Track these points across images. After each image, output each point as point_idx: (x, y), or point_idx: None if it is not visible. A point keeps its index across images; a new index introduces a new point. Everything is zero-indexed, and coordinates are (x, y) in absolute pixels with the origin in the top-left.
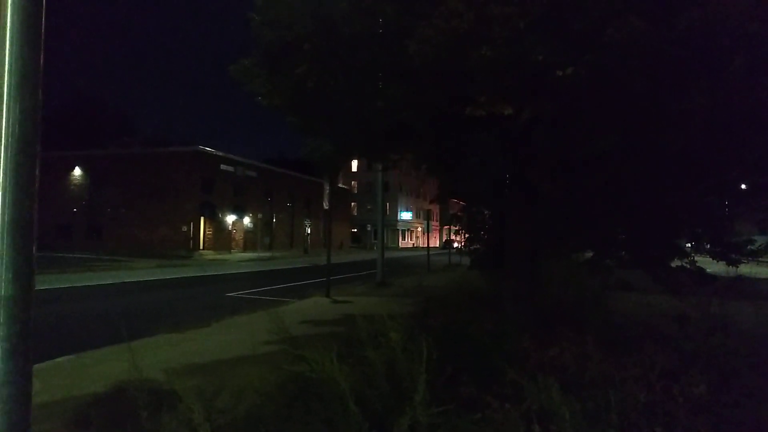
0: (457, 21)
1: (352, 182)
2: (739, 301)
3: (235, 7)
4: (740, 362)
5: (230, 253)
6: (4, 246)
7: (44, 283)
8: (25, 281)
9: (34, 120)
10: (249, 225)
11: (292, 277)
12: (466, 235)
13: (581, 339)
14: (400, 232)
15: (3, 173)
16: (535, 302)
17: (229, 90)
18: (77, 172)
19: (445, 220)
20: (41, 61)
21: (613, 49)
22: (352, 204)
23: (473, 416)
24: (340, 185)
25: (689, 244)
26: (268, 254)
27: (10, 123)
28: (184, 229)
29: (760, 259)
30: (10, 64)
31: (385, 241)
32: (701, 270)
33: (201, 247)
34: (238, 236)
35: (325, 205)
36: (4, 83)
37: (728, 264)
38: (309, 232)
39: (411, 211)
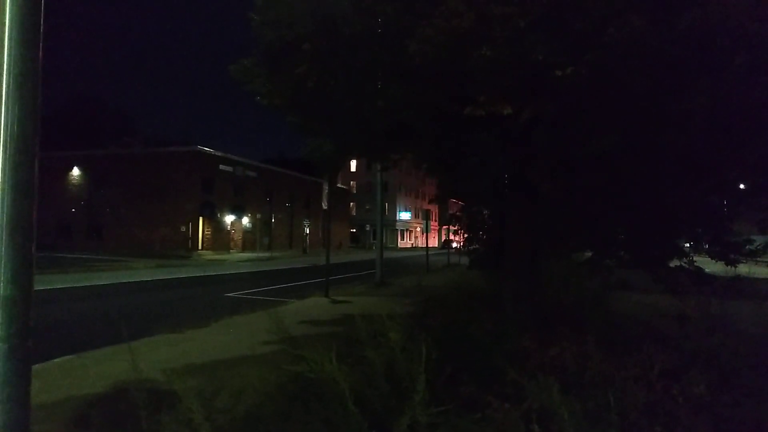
0: (458, 20)
1: (351, 182)
2: (738, 300)
3: (235, 7)
4: (740, 362)
5: (229, 253)
6: (4, 246)
7: (44, 283)
8: (24, 281)
9: (34, 120)
10: (248, 225)
11: (291, 278)
12: (465, 235)
13: (581, 339)
14: (399, 232)
15: (2, 173)
16: (535, 302)
17: (229, 90)
18: (77, 172)
19: (444, 220)
20: (40, 60)
21: (614, 49)
22: (351, 204)
23: (473, 416)
24: (339, 185)
25: (688, 244)
26: (267, 254)
27: (10, 123)
28: (183, 229)
29: (759, 259)
30: (10, 64)
31: (384, 241)
32: (700, 270)
33: (200, 247)
34: (237, 236)
35: (324, 205)
36: (3, 83)
37: (727, 264)
38: (308, 232)
39: (410, 211)
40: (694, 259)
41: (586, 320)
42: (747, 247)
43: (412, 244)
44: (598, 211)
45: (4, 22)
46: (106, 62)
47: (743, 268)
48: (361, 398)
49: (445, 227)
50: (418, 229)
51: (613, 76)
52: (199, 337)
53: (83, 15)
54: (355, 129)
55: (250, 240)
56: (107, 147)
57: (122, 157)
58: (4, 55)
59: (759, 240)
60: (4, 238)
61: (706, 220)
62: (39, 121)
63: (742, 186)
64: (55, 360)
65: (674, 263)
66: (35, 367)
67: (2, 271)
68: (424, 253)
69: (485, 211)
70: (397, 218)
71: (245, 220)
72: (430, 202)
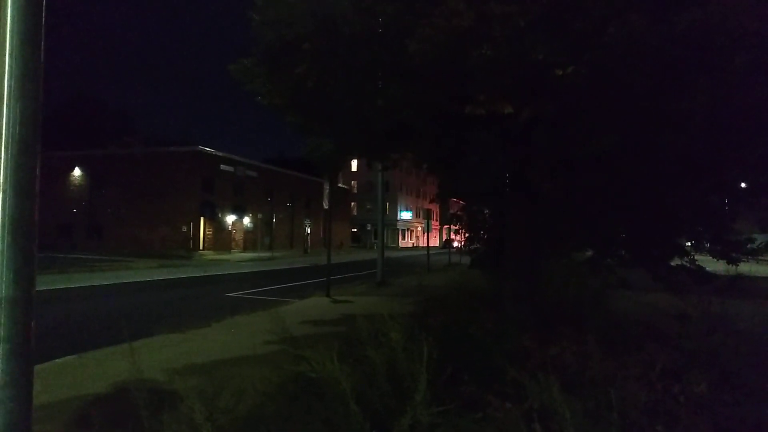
0: (458, 20)
1: (352, 182)
2: (739, 299)
3: (235, 7)
4: (741, 361)
5: (230, 253)
6: (5, 246)
7: (45, 283)
8: (26, 282)
9: (35, 120)
10: (249, 225)
11: (292, 277)
12: (466, 235)
13: (582, 338)
14: (400, 232)
15: (3, 174)
16: (536, 301)
17: (229, 90)
18: (77, 172)
19: (445, 220)
20: (42, 60)
21: (614, 49)
22: (352, 204)
23: (474, 415)
24: (340, 185)
25: (689, 243)
26: (267, 254)
27: (11, 123)
28: (184, 229)
29: (760, 257)
30: (11, 64)
31: (385, 240)
32: (701, 268)
33: (201, 247)
34: (238, 236)
35: (325, 205)
36: (4, 83)
37: (728, 262)
38: (309, 231)
39: (411, 210)
40: (695, 258)
41: (587, 319)
42: (748, 245)
43: (413, 243)
44: (599, 210)
45: (5, 22)
46: (106, 62)
47: (744, 267)
48: (363, 398)
49: (446, 227)
50: (419, 228)
51: (613, 76)
52: (200, 337)
53: (83, 15)
54: (355, 129)
55: (251, 240)
56: (107, 147)
57: (123, 157)
58: (5, 55)
59: (760, 239)
60: (5, 238)
61: (707, 219)
62: (40, 121)
63: (742, 185)
64: (57, 360)
65: (675, 262)
66: (37, 367)
67: (4, 271)
68: (425, 252)
69: (486, 211)
70: (398, 218)
71: (246, 220)
72: (431, 201)
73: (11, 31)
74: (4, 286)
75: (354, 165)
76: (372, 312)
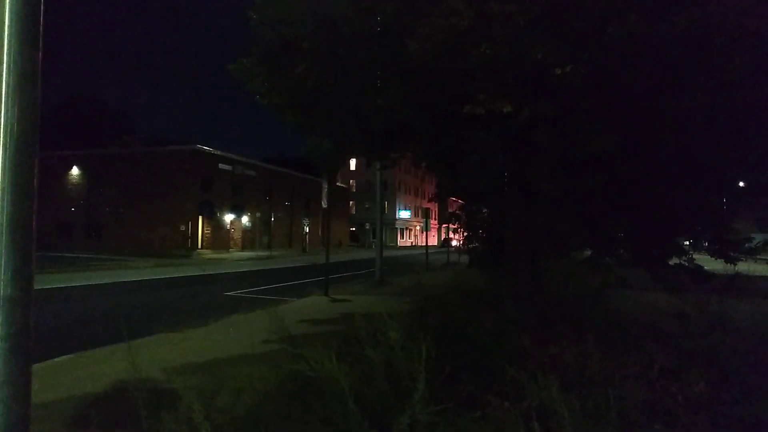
0: (457, 19)
1: (351, 181)
2: (737, 299)
3: (235, 6)
4: (739, 360)
5: (228, 252)
6: (3, 246)
7: (43, 282)
8: (24, 281)
9: (33, 119)
10: (247, 224)
11: (290, 276)
12: (465, 234)
13: (581, 337)
14: (399, 231)
15: (2, 173)
16: (535, 301)
17: (229, 90)
18: (76, 171)
19: (444, 219)
20: (40, 60)
21: (613, 48)
22: (351, 203)
23: (473, 414)
24: (338, 184)
25: (688, 242)
26: (266, 253)
27: (9, 122)
28: (183, 228)
29: (758, 256)
30: (9, 64)
31: (384, 239)
32: (699, 268)
33: (199, 246)
34: (237, 235)
35: (324, 204)
36: (2, 83)
37: (727, 262)
38: (307, 230)
39: (409, 209)
40: (694, 257)
41: (586, 319)
42: (746, 244)
43: (412, 242)
44: (598, 210)
45: (4, 22)
46: (106, 62)
47: (743, 266)
48: (361, 397)
49: (444, 226)
50: (418, 227)
51: (612, 76)
52: (198, 336)
53: (83, 15)
54: (354, 128)
55: (249, 239)
56: (107, 146)
57: (122, 157)
58: (3, 54)
59: (758, 238)
60: (4, 237)
61: (706, 218)
62: (39, 121)
63: (741, 184)
64: (55, 359)
65: (674, 261)
66: (35, 366)
67: (2, 270)
68: (424, 251)
69: (485, 210)
70: (397, 217)
71: (245, 219)
72: (429, 200)
73: (10, 31)
74: (2, 285)
75: (353, 164)
76: (370, 311)
